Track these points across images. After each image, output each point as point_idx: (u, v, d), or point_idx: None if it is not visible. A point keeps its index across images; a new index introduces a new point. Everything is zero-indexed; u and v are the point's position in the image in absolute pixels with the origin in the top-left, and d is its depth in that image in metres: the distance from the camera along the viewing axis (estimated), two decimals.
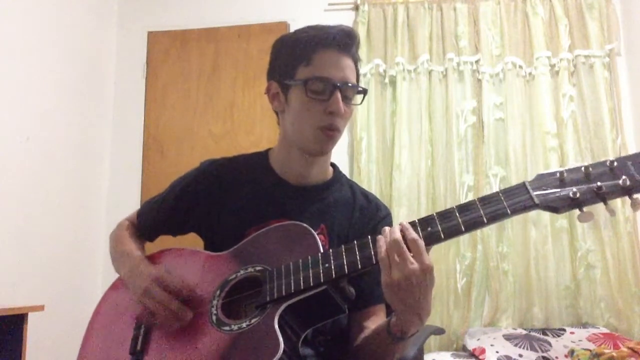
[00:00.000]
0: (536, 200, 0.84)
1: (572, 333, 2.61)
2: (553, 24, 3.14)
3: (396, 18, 3.20)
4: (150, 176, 3.26)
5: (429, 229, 0.90)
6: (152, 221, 1.28)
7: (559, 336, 2.59)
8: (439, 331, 2.17)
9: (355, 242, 0.95)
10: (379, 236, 0.91)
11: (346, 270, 0.93)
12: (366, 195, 1.26)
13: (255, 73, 3.28)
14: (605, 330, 2.63)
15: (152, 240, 1.31)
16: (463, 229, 0.87)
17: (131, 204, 2.99)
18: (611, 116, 2.99)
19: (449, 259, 2.93)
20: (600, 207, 0.82)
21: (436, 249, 2.73)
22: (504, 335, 2.58)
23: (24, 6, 2.64)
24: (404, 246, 0.87)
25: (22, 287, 2.51)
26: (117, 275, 1.21)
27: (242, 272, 1.05)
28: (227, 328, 0.97)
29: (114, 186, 3.29)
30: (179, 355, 0.99)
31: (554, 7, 3.14)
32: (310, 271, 0.95)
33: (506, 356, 2.40)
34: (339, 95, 1.10)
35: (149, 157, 3.31)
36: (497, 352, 2.43)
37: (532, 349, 2.46)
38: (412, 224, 0.92)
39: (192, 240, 1.26)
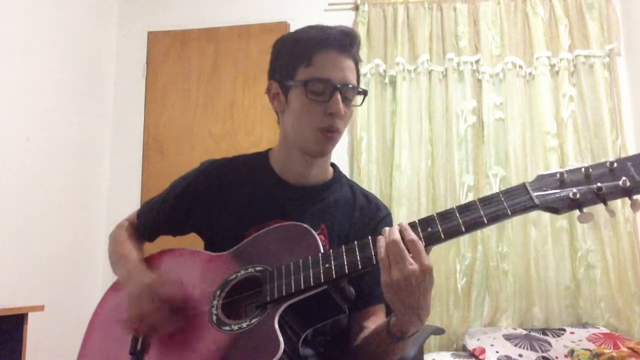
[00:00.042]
0: (536, 201, 0.84)
1: (572, 333, 2.61)
2: (553, 24, 3.14)
3: (396, 18, 3.20)
4: (150, 176, 3.26)
5: (429, 229, 0.90)
6: (152, 221, 1.28)
7: (559, 336, 2.59)
8: (439, 331, 2.17)
9: (356, 242, 0.95)
10: (379, 236, 0.91)
11: (346, 270, 0.93)
12: (366, 195, 1.26)
13: (255, 73, 3.28)
14: (605, 330, 2.63)
15: (152, 241, 1.31)
16: (463, 229, 0.88)
17: (131, 204, 2.99)
18: (611, 116, 2.99)
19: (449, 259, 2.93)
20: (600, 207, 0.83)
21: (436, 249, 2.73)
22: (504, 335, 2.58)
23: (24, 6, 2.64)
24: (403, 247, 0.88)
25: (22, 287, 2.52)
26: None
27: (242, 272, 1.05)
28: (227, 328, 0.97)
29: (114, 186, 3.29)
30: (179, 354, 0.99)
31: (554, 7, 3.14)
32: (311, 271, 0.95)
33: (506, 356, 2.40)
34: (339, 96, 1.09)
35: (149, 157, 3.31)
36: (497, 352, 2.43)
37: (532, 349, 2.46)
38: (413, 224, 0.92)
39: (192, 241, 1.26)
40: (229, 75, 3.34)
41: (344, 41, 1.12)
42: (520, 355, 2.41)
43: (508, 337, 2.56)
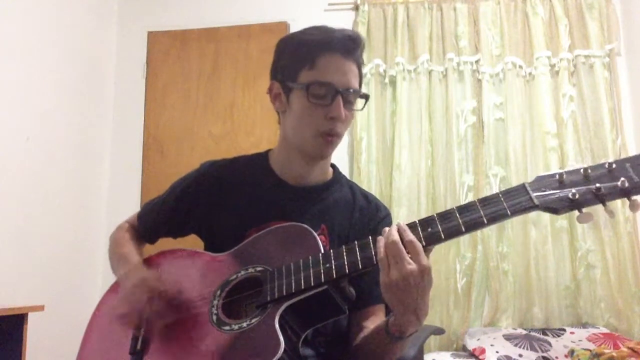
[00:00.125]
0: (536, 202, 0.85)
1: (572, 333, 2.61)
2: (553, 24, 3.14)
3: (396, 18, 3.20)
4: (150, 176, 3.26)
5: (429, 229, 0.90)
6: (153, 223, 1.28)
7: (559, 336, 2.59)
8: (439, 331, 2.17)
9: (356, 242, 0.96)
10: (379, 237, 0.92)
11: (347, 270, 0.93)
12: (366, 195, 1.27)
13: (255, 73, 3.28)
14: (605, 330, 2.63)
15: (152, 243, 1.32)
16: (463, 229, 0.88)
17: (131, 204, 3.00)
18: (611, 116, 2.99)
19: (449, 259, 2.93)
20: (599, 208, 0.83)
21: (436, 249, 2.71)
22: (504, 335, 2.59)
23: (24, 6, 2.64)
24: (402, 247, 0.88)
25: (22, 287, 2.52)
26: None
27: (242, 272, 1.05)
28: (227, 327, 0.97)
29: (114, 186, 3.29)
30: (179, 354, 0.99)
31: (554, 7, 3.14)
32: (311, 271, 0.95)
33: (506, 356, 2.40)
34: (340, 100, 1.09)
35: (149, 157, 3.31)
36: (497, 352, 2.43)
37: (532, 349, 2.46)
38: (413, 224, 0.92)
39: (192, 242, 1.26)
40: (229, 75, 3.34)
41: (348, 45, 1.12)
42: (520, 355, 2.41)
43: (508, 337, 2.56)
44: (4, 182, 2.45)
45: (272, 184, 1.20)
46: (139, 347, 1.03)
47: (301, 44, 1.14)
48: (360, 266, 0.93)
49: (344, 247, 0.96)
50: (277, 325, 0.92)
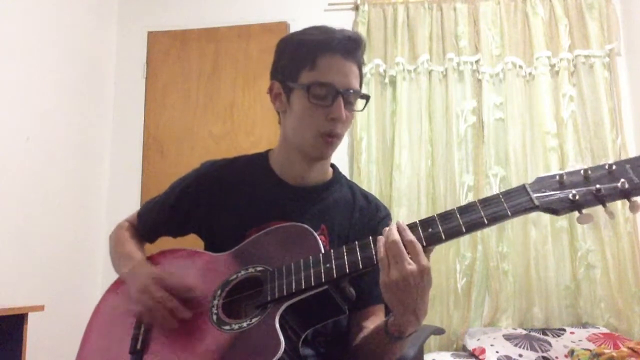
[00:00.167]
0: (536, 202, 0.85)
1: (572, 333, 2.61)
2: (553, 24, 3.14)
3: (396, 18, 3.20)
4: (150, 176, 3.26)
5: (430, 229, 0.90)
6: (152, 222, 1.28)
7: (559, 336, 2.59)
8: (439, 331, 2.17)
9: (357, 242, 0.96)
10: (379, 236, 0.92)
11: (347, 270, 0.93)
12: (366, 195, 1.27)
13: (255, 73, 3.28)
14: (605, 330, 2.63)
15: (152, 242, 1.31)
16: (464, 230, 0.88)
17: (131, 204, 2.99)
18: (611, 116, 2.99)
19: (449, 259, 2.93)
20: (599, 208, 0.83)
21: (436, 249, 2.71)
22: (504, 335, 2.59)
23: (24, 6, 2.64)
24: (402, 247, 0.88)
25: (22, 287, 2.52)
26: (117, 275, 1.21)
27: (243, 272, 1.05)
28: (227, 327, 0.97)
29: (114, 186, 3.29)
30: (179, 354, 0.99)
31: (554, 7, 3.14)
32: (312, 271, 0.95)
33: (506, 356, 2.40)
34: (341, 101, 1.10)
35: (149, 157, 3.31)
36: (497, 352, 2.44)
37: (532, 349, 2.46)
38: (413, 224, 0.92)
39: (192, 241, 1.26)
40: (229, 75, 3.34)
41: (349, 46, 1.12)
42: (520, 355, 2.41)
43: (508, 337, 2.56)
44: (4, 182, 2.45)
45: (272, 184, 1.20)
46: (138, 346, 1.03)
47: (302, 44, 1.13)
48: (360, 266, 0.93)
49: (344, 247, 0.96)
50: (277, 325, 0.92)
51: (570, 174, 0.85)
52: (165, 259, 1.19)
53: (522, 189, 0.87)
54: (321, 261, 0.96)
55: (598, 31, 3.09)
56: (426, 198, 3.00)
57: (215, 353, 0.94)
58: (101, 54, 3.34)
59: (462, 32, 3.16)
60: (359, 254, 0.94)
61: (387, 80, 3.17)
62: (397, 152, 3.03)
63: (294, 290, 0.95)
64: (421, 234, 0.90)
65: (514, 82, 3.09)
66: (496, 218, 0.87)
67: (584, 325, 2.72)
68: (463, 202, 2.89)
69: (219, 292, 1.04)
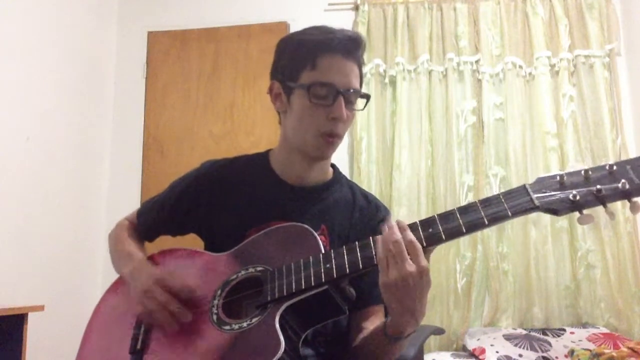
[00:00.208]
0: (537, 203, 0.85)
1: (572, 333, 2.61)
2: (553, 24, 3.14)
3: (396, 18, 3.20)
4: (150, 176, 3.26)
5: (430, 230, 0.90)
6: (152, 222, 1.28)
7: (559, 336, 2.59)
8: (439, 331, 2.17)
9: (357, 242, 0.96)
10: (378, 236, 0.92)
11: (347, 270, 0.93)
12: (366, 195, 1.27)
13: (255, 73, 3.28)
14: (605, 330, 2.63)
15: (151, 241, 1.31)
16: (464, 230, 0.88)
17: (131, 204, 2.97)
18: (611, 116, 2.99)
19: (449, 259, 2.93)
20: (600, 209, 0.83)
21: (436, 249, 2.71)
22: (504, 335, 2.59)
23: (24, 6, 2.64)
24: (404, 247, 0.88)
25: (22, 287, 2.52)
26: (117, 275, 1.20)
27: (243, 272, 1.05)
28: (227, 327, 0.97)
29: (114, 186, 3.29)
30: (179, 354, 0.99)
31: (554, 7, 3.14)
32: (312, 271, 0.95)
33: (506, 356, 2.40)
34: (342, 101, 1.10)
35: (149, 157, 3.31)
36: (497, 352, 2.44)
37: (532, 349, 2.46)
38: (414, 225, 0.92)
39: (192, 241, 1.26)
40: (229, 75, 3.34)
41: (349, 45, 1.12)
42: (520, 355, 2.41)
43: (508, 337, 2.56)
44: (4, 182, 2.45)
45: (273, 184, 1.20)
46: (138, 346, 1.03)
47: (302, 44, 1.13)
48: (360, 266, 0.93)
49: (344, 247, 0.96)
50: (277, 325, 0.92)
51: (570, 174, 0.85)
52: (165, 259, 1.19)
53: (522, 189, 0.87)
54: (321, 261, 0.96)
55: (598, 31, 3.09)
56: (426, 198, 3.00)
57: (215, 353, 0.94)
58: (101, 54, 3.34)
59: (462, 32, 3.16)
60: (359, 254, 0.94)
61: (387, 80, 3.17)
62: (397, 152, 3.03)
63: (294, 290, 0.95)
64: (421, 234, 0.90)
65: (514, 82, 3.09)
66: (496, 218, 0.87)
67: (584, 325, 2.72)
68: (463, 202, 2.90)
69: (219, 292, 1.04)
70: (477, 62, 3.14)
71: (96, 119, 3.24)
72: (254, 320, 0.95)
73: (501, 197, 0.88)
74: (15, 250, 2.49)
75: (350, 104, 1.13)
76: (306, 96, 1.10)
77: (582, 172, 0.84)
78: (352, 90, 1.12)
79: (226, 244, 1.12)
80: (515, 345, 2.49)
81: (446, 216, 0.90)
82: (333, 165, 1.28)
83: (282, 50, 1.19)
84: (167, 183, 1.30)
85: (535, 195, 0.85)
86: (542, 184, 0.86)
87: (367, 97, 1.16)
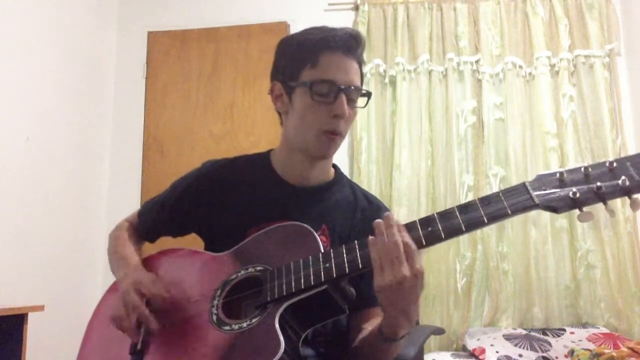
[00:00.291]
0: (536, 200, 0.85)
1: (572, 333, 2.61)
2: (553, 24, 3.14)
3: (396, 18, 3.20)
4: (150, 176, 3.26)
5: (430, 228, 0.90)
6: (153, 222, 1.28)
7: (559, 336, 2.59)
8: (439, 331, 2.17)
9: (356, 242, 0.96)
10: (371, 238, 0.92)
11: (347, 269, 0.93)
12: (367, 196, 1.26)
13: (255, 73, 3.28)
14: (605, 330, 2.63)
15: (152, 241, 1.31)
16: (464, 228, 0.88)
17: (131, 204, 2.99)
18: (611, 116, 2.99)
19: (449, 259, 2.92)
20: (600, 207, 0.83)
21: (436, 249, 2.73)
22: (504, 335, 2.58)
23: (24, 6, 2.64)
24: (402, 249, 0.88)
25: (22, 287, 2.52)
26: None
27: (242, 272, 1.05)
28: (227, 327, 0.97)
29: (114, 186, 3.29)
30: (179, 354, 0.99)
31: (554, 7, 3.14)
32: (311, 270, 0.95)
33: (506, 356, 2.40)
34: (344, 98, 1.10)
35: (149, 157, 3.31)
36: (497, 352, 2.43)
37: (532, 349, 2.46)
38: (413, 224, 0.92)
39: (192, 241, 1.26)
40: (229, 75, 3.34)
41: (349, 43, 1.12)
42: (520, 355, 2.41)
43: (508, 337, 2.56)
44: (4, 182, 2.45)
45: (274, 184, 1.20)
46: (139, 347, 1.03)
47: (302, 43, 1.14)
48: (360, 266, 0.93)
49: (344, 246, 0.96)
50: (277, 325, 0.92)
51: (570, 171, 0.85)
52: (165, 259, 1.19)
53: (522, 187, 0.87)
54: (321, 261, 0.96)
55: (598, 31, 3.09)
56: (426, 198, 3.00)
57: (215, 354, 0.94)
58: (101, 54, 3.34)
59: (462, 32, 3.16)
60: (358, 253, 0.94)
61: (387, 80, 3.17)
62: (397, 152, 3.03)
63: (293, 290, 0.95)
64: (420, 232, 0.90)
65: (514, 82, 3.09)
66: (496, 216, 0.87)
67: (584, 325, 2.72)
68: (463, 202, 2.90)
69: (218, 292, 1.03)
70: (477, 62, 3.14)
71: (96, 119, 3.24)
72: (253, 320, 0.95)
73: (501, 195, 0.87)
74: (15, 250, 2.49)
75: (351, 101, 1.13)
76: (308, 94, 1.10)
77: (582, 169, 0.84)
78: (353, 88, 1.12)
79: (226, 243, 1.12)
80: (515, 345, 2.49)
81: (445, 214, 0.90)
82: (335, 166, 1.28)
83: (282, 50, 1.19)
84: (167, 183, 1.30)
85: (535, 193, 0.85)
86: (541, 181, 0.86)
87: (368, 95, 1.16)
